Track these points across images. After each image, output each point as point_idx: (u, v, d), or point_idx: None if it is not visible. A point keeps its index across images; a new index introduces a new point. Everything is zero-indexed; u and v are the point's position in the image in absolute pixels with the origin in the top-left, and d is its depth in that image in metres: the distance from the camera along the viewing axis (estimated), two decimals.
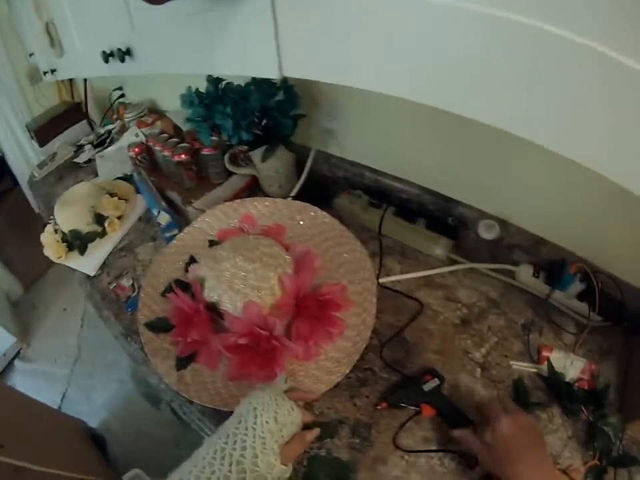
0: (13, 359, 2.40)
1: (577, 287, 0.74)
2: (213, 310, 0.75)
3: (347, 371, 0.70)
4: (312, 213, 0.94)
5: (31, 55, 1.88)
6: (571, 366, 0.69)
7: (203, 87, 0.98)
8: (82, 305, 2.57)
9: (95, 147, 1.73)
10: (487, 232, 0.82)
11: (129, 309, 0.95)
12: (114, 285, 1.02)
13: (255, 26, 0.52)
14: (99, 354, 2.28)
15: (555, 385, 0.68)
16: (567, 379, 0.68)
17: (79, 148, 1.83)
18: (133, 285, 1.00)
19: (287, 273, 0.76)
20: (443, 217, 0.93)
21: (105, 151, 1.57)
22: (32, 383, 2.25)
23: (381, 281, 0.88)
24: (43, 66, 1.59)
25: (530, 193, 0.79)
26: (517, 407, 0.64)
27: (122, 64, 0.86)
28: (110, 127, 1.74)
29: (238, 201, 0.97)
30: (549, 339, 0.75)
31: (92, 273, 1.10)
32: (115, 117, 1.86)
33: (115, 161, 1.46)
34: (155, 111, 1.70)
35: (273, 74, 0.55)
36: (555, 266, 0.78)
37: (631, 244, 0.71)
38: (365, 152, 1.05)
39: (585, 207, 0.73)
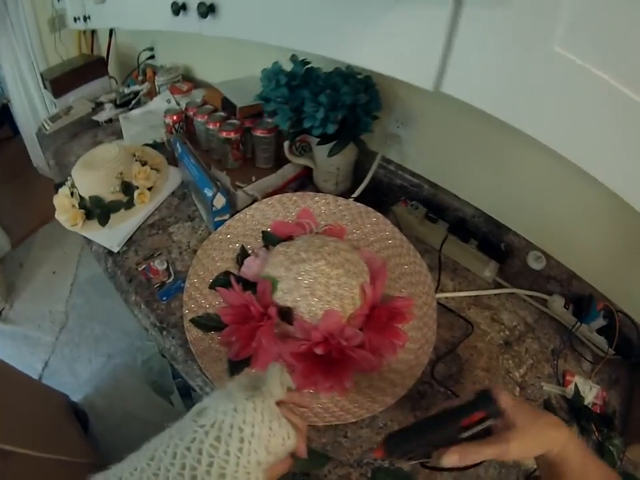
0: None
1: (600, 322, 0.80)
2: (283, 314, 0.69)
3: (411, 384, 0.69)
4: (374, 219, 0.89)
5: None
6: (589, 391, 0.76)
7: (260, 65, 0.90)
8: (72, 270, 2.44)
9: (117, 106, 1.60)
10: (534, 262, 0.88)
11: (164, 297, 0.85)
12: (144, 266, 0.91)
13: (422, 28, 0.48)
14: (87, 324, 2.17)
15: (576, 407, 0.74)
16: (585, 402, 0.75)
17: (98, 105, 1.70)
18: (168, 269, 0.89)
19: (367, 282, 0.72)
20: (495, 241, 0.95)
21: (131, 112, 1.45)
22: (12, 346, 2.12)
23: (436, 296, 0.87)
24: (74, 11, 1.46)
25: (573, 233, 0.85)
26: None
27: (197, 20, 0.76)
28: (136, 87, 1.61)
29: (299, 193, 0.89)
30: (571, 365, 0.82)
31: (116, 249, 0.98)
32: (141, 78, 1.73)
33: (142, 124, 1.35)
34: (189, 79, 1.58)
35: (425, 84, 0.51)
36: (583, 300, 0.84)
37: None
38: (427, 164, 1.03)
39: (616, 252, 0.80)
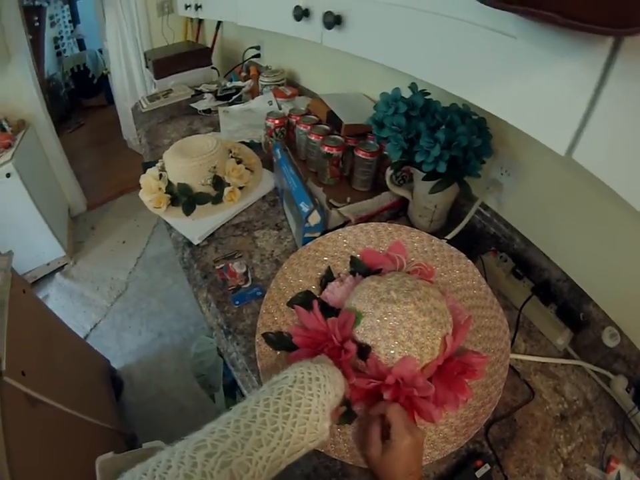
0: (56, 271, 2.37)
1: None
2: (361, 350, 0.67)
3: (464, 442, 0.67)
4: (464, 265, 0.85)
5: None
6: None
7: (367, 84, 0.87)
8: (142, 245, 2.54)
9: (217, 98, 1.64)
10: (609, 339, 0.83)
11: (237, 302, 0.84)
12: (222, 265, 0.91)
13: (566, 89, 0.46)
14: (144, 299, 2.23)
15: None
16: None
17: (198, 93, 1.76)
18: (246, 273, 0.88)
19: (449, 334, 0.70)
20: (574, 309, 0.90)
21: (231, 107, 1.48)
22: (67, 300, 2.23)
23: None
24: None
25: None
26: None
27: (319, 29, 0.75)
28: (239, 83, 1.64)
29: (396, 225, 0.85)
30: (618, 451, 0.77)
31: (196, 242, 0.99)
32: (244, 74, 1.76)
33: (241, 121, 1.36)
34: (293, 84, 1.60)
35: (558, 149, 0.49)
36: None
37: None
38: (523, 217, 0.98)
39: None
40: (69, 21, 4.13)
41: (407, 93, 0.88)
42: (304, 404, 0.52)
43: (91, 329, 2.10)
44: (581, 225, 0.87)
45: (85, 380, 1.53)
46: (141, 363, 1.93)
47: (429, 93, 0.89)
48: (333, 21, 0.73)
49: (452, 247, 0.86)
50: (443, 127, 0.83)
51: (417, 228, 0.92)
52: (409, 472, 0.57)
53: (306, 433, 0.51)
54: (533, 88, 0.50)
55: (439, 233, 0.96)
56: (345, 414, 0.68)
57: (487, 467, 0.68)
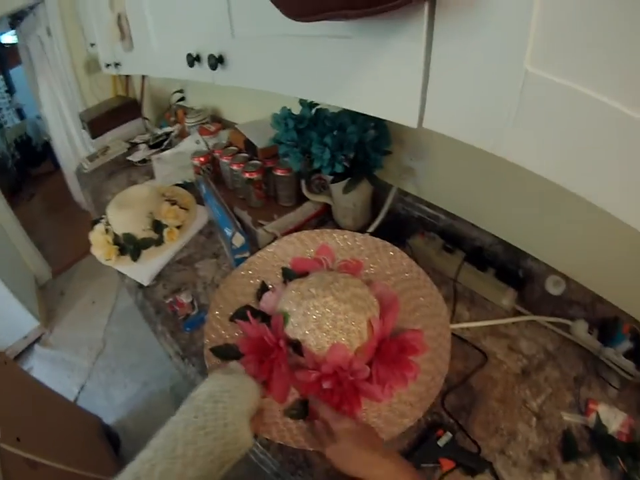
0: (34, 342, 2.38)
1: (626, 345, 0.78)
2: (293, 346, 0.73)
3: (420, 415, 0.69)
4: (391, 252, 0.92)
5: (92, 45, 1.87)
6: (614, 419, 0.72)
7: (281, 105, 0.95)
8: (111, 301, 2.56)
9: (151, 147, 1.72)
10: (553, 287, 0.85)
11: (188, 328, 0.92)
12: (170, 299, 0.99)
13: (401, 67, 0.49)
14: (123, 352, 2.26)
15: (599, 437, 0.71)
16: (609, 432, 0.71)
17: (133, 145, 1.83)
18: (192, 302, 0.96)
19: (376, 317, 0.75)
20: (513, 268, 0.93)
21: (163, 153, 1.55)
22: (50, 369, 2.23)
23: (451, 326, 0.87)
24: (105, 58, 1.57)
25: (594, 254, 0.83)
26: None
27: (210, 71, 0.81)
28: (168, 129, 1.73)
29: (317, 230, 0.94)
30: (595, 392, 0.78)
31: (146, 283, 1.06)
32: (173, 119, 1.85)
33: (173, 165, 1.44)
34: (217, 120, 1.69)
35: (410, 123, 0.52)
36: (608, 324, 0.81)
37: None
38: (442, 195, 1.03)
39: None
40: (6, 91, 4.13)
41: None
42: (220, 418, 0.54)
43: (79, 392, 2.11)
44: (501, 188, 0.90)
45: (81, 439, 1.56)
46: (132, 414, 1.96)
47: (317, 104, 0.96)
48: (216, 62, 0.80)
49: (376, 239, 0.93)
50: (335, 131, 0.89)
51: (342, 228, 0.99)
52: (373, 448, 0.59)
53: (229, 446, 0.53)
54: (378, 76, 0.53)
55: (365, 229, 1.03)
56: (298, 410, 0.71)
57: (449, 434, 0.70)
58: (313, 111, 0.94)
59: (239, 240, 0.92)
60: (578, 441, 0.71)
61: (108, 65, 1.69)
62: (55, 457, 1.19)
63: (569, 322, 0.85)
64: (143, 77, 2.17)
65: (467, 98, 0.45)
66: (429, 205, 1.06)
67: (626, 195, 0.37)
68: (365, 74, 0.54)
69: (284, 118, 0.92)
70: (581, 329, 0.83)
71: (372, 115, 0.57)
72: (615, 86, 0.34)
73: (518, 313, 0.91)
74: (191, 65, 0.87)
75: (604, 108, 0.35)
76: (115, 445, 1.79)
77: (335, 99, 0.62)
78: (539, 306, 0.90)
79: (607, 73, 0.34)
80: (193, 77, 0.94)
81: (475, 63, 0.42)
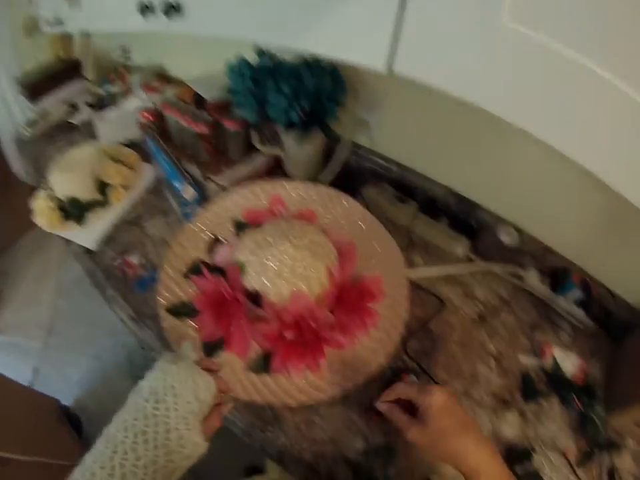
0: None
1: (577, 294, 0.82)
2: (252, 297, 0.71)
3: (383, 361, 0.70)
4: (344, 202, 0.91)
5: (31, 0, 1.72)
6: (569, 362, 0.77)
7: (234, 56, 0.91)
8: (57, 274, 2.43)
9: (93, 108, 1.60)
10: (505, 237, 0.88)
11: (140, 290, 0.87)
12: (119, 261, 0.93)
13: (372, 6, 0.46)
14: (73, 327, 2.17)
15: (555, 378, 0.75)
16: (566, 375, 0.76)
17: (75, 108, 1.70)
18: (143, 263, 0.91)
19: (335, 263, 0.74)
20: (465, 218, 0.96)
21: (105, 113, 1.45)
22: (3, 357, 2.11)
23: (407, 274, 0.88)
24: (46, 14, 1.44)
25: (545, 206, 0.86)
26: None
27: (164, 20, 0.75)
28: (111, 88, 1.61)
29: (269, 182, 0.90)
30: (549, 337, 0.82)
31: (93, 247, 0.99)
32: (115, 78, 1.73)
33: (117, 124, 1.35)
34: (163, 77, 1.59)
35: (378, 66, 0.50)
36: (559, 273, 0.86)
37: (629, 264, 0.80)
38: (395, 147, 1.04)
39: (590, 226, 0.81)
40: None
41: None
42: (161, 422, 0.45)
43: (34, 376, 2.01)
44: (451, 140, 0.91)
45: (40, 425, 1.49)
46: (89, 392, 1.89)
47: (274, 54, 0.92)
48: (171, 8, 0.74)
49: (329, 189, 0.91)
50: (291, 80, 0.86)
51: (295, 180, 0.97)
52: (467, 429, 0.51)
53: (173, 455, 0.44)
54: (347, 15, 0.50)
55: (317, 181, 1.01)
56: (261, 364, 0.69)
57: (413, 377, 0.71)
58: (270, 61, 0.90)
59: (189, 193, 0.88)
60: (536, 382, 0.75)
61: (49, 23, 1.55)
62: (18, 449, 1.14)
63: (522, 271, 0.88)
64: (85, 36, 2.02)
65: (445, 42, 0.43)
66: (382, 157, 1.06)
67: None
68: (333, 12, 0.51)
69: (240, 67, 0.88)
70: (533, 278, 0.86)
71: (332, 57, 0.55)
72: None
73: (472, 262, 0.93)
74: (142, 13, 0.81)
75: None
76: (76, 427, 1.73)
77: (294, 42, 0.58)
78: (492, 255, 0.93)
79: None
80: (145, 27, 0.86)
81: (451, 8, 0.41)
